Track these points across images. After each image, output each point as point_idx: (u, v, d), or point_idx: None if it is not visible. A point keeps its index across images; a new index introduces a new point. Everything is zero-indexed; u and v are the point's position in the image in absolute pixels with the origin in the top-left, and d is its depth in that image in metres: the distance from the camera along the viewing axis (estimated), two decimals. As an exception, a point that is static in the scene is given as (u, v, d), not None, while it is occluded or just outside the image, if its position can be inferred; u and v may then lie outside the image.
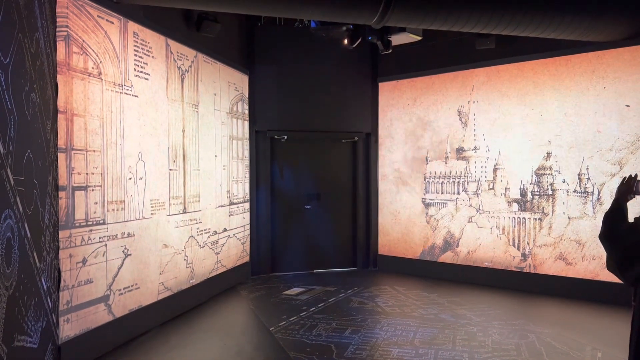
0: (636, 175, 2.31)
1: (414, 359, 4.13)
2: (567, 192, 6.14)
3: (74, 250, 3.90)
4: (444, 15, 4.94)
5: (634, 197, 2.27)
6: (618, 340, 4.45)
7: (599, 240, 2.34)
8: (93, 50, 4.16)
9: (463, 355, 4.20)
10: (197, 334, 4.87)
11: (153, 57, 5.06)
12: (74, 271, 3.90)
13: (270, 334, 4.82)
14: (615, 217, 2.30)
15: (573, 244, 6.06)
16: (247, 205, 7.33)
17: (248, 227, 7.34)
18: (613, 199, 2.28)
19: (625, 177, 2.30)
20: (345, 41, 6.15)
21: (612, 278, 5.24)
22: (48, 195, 3.43)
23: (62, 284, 3.75)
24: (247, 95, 7.32)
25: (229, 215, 6.74)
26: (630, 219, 2.26)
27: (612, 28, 5.33)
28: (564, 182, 6.17)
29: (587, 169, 5.99)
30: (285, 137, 7.63)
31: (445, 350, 4.32)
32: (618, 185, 2.31)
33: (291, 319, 5.26)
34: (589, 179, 5.98)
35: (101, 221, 4.23)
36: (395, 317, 5.35)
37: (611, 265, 2.28)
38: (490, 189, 6.83)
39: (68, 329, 3.83)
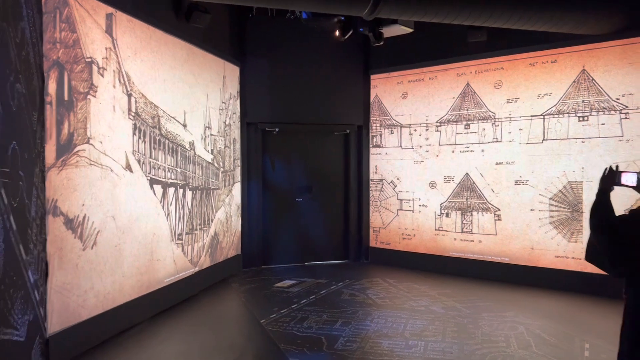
0: (617, 166, 2.32)
1: (404, 351, 4.15)
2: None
3: (63, 243, 3.87)
4: (435, 7, 4.94)
5: (614, 188, 2.28)
6: (606, 331, 4.50)
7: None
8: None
9: (452, 347, 4.22)
10: (187, 327, 4.86)
11: (143, 49, 5.00)
12: (63, 263, 3.86)
13: (261, 326, 4.82)
14: (605, 209, 2.31)
15: (563, 236, 6.09)
16: (239, 198, 7.30)
17: (239, 219, 7.32)
18: (597, 190, 2.28)
19: (606, 169, 2.30)
20: (337, 33, 6.11)
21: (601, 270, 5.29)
22: (35, 187, 3.39)
23: (50, 276, 3.71)
24: (238, 87, 7.27)
25: (220, 207, 6.71)
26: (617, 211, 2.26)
27: (603, 21, 5.35)
28: (554, 174, 6.21)
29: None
30: (277, 129, 7.60)
31: (435, 342, 4.34)
32: (600, 176, 2.31)
33: (282, 312, 5.26)
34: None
35: (90, 211, 4.19)
36: (386, 309, 5.37)
37: (594, 257, 2.29)
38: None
39: (57, 322, 3.80)
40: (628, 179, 2.30)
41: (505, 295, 5.94)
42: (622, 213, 2.30)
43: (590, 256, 2.35)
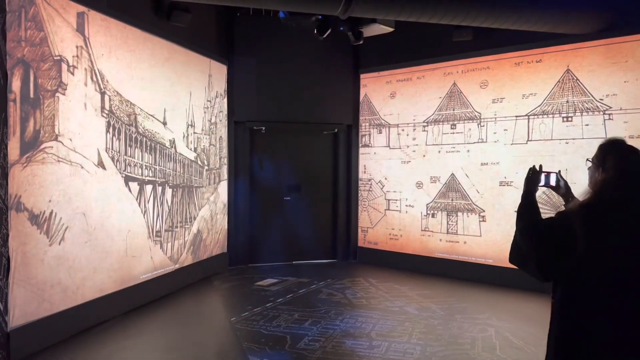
0: (540, 166, 2.27)
1: (366, 351, 4.12)
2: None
3: (27, 238, 3.92)
4: (410, 6, 4.89)
5: (538, 188, 2.24)
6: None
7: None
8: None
9: (415, 348, 4.18)
10: (158, 324, 4.89)
11: (119, 47, 5.05)
12: (27, 259, 3.92)
13: (230, 324, 4.83)
14: (532, 211, 2.27)
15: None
16: (225, 196, 7.33)
17: (226, 217, 7.35)
18: (522, 192, 2.23)
19: (530, 169, 2.25)
20: (315, 32, 6.09)
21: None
22: (-8, 183, 3.45)
23: (11, 271, 3.76)
24: (225, 86, 7.30)
25: (204, 205, 6.74)
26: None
27: (583, 21, 5.26)
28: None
29: (560, 163, 5.91)
30: (264, 128, 7.60)
31: (399, 343, 4.30)
32: (525, 177, 2.26)
33: (255, 310, 5.26)
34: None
35: (58, 207, 4.25)
36: (360, 309, 5.34)
37: (519, 258, 2.24)
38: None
39: (19, 316, 3.86)
40: (550, 179, 2.26)
41: (484, 297, 5.86)
42: (550, 215, 2.26)
43: (515, 258, 2.31)
